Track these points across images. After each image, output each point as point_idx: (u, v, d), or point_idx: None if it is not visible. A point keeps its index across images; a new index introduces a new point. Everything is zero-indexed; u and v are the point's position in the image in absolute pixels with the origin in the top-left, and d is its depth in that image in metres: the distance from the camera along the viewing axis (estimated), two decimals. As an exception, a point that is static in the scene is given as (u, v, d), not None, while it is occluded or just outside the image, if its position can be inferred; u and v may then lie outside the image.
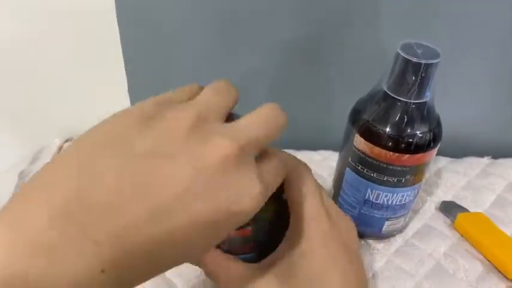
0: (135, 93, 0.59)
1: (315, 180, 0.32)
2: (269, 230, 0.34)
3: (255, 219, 0.33)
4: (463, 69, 0.55)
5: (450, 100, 0.50)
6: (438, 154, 0.57)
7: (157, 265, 0.22)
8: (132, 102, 0.59)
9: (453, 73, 0.52)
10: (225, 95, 0.27)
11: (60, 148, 0.57)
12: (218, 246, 0.33)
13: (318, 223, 0.30)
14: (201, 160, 0.21)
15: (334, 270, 0.29)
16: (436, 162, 0.59)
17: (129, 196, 0.20)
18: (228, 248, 0.33)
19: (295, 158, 0.32)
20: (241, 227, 0.33)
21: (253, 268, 0.31)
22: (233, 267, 0.31)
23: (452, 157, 0.60)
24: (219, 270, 0.31)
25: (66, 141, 0.59)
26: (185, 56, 0.55)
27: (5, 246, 0.18)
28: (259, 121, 0.25)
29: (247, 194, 0.23)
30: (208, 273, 0.32)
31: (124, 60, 0.55)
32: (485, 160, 0.60)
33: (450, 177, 0.56)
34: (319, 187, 0.32)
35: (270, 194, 0.26)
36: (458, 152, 0.60)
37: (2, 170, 0.60)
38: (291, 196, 0.31)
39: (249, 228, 0.33)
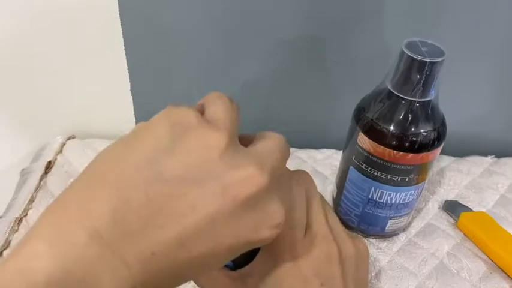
0: (138, 92, 0.58)
1: (319, 195, 0.31)
2: None
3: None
4: (466, 68, 0.54)
5: (453, 99, 0.50)
6: (441, 153, 0.57)
7: (176, 283, 0.22)
8: (135, 101, 0.59)
9: (456, 72, 0.51)
10: (235, 114, 0.25)
11: (63, 146, 0.57)
12: None
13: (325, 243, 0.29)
14: (231, 189, 0.21)
15: None
16: (439, 161, 0.58)
17: (157, 222, 0.20)
18: None
19: (292, 171, 0.30)
20: None
21: (233, 277, 0.30)
22: (219, 276, 0.30)
23: (455, 156, 0.60)
24: (209, 280, 0.30)
25: (69, 138, 0.58)
26: (188, 55, 0.55)
27: (46, 259, 0.18)
28: (275, 149, 0.24)
29: (269, 224, 0.23)
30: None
31: (127, 59, 0.55)
32: (489, 159, 0.60)
33: (453, 176, 0.56)
34: (322, 200, 0.31)
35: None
36: (461, 151, 0.60)
37: (4, 168, 0.60)
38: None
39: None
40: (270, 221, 0.23)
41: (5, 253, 0.45)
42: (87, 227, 0.19)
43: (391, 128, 0.40)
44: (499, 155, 0.60)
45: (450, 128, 0.42)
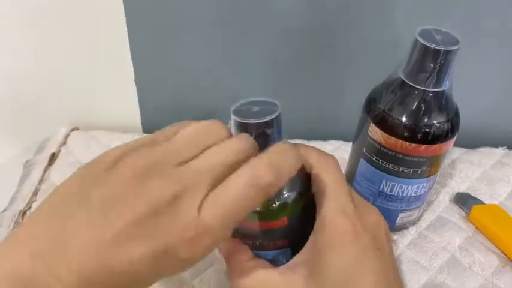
0: (142, 82, 0.57)
1: (341, 173, 0.30)
2: (300, 224, 0.33)
3: (288, 211, 0.33)
4: (477, 57, 0.53)
5: (464, 89, 0.49)
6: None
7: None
8: (139, 91, 0.58)
9: (467, 62, 0.50)
10: (207, 135, 0.26)
11: (67, 137, 0.56)
12: (251, 243, 0.32)
13: (345, 219, 0.28)
14: (136, 203, 0.23)
15: (362, 270, 0.27)
16: (450, 153, 0.57)
17: (83, 240, 0.22)
18: (262, 242, 0.32)
19: (320, 151, 0.31)
20: (276, 218, 0.32)
21: (279, 272, 0.30)
22: (267, 277, 0.30)
23: (466, 148, 0.59)
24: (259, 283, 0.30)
25: (72, 130, 0.58)
26: (193, 45, 0.54)
27: None
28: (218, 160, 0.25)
29: (181, 237, 0.23)
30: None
31: (131, 49, 0.54)
32: (501, 150, 0.58)
33: (464, 169, 0.55)
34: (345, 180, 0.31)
35: (280, 184, 0.25)
36: (472, 142, 0.59)
37: (7, 160, 0.59)
38: (316, 190, 0.30)
39: (285, 218, 0.32)
40: (181, 235, 0.23)
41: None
42: (31, 252, 0.22)
43: (404, 119, 0.39)
44: (511, 146, 0.59)
45: (461, 119, 0.41)
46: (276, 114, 0.28)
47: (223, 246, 0.33)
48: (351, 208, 0.28)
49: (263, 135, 0.28)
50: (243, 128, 0.28)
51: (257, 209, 0.31)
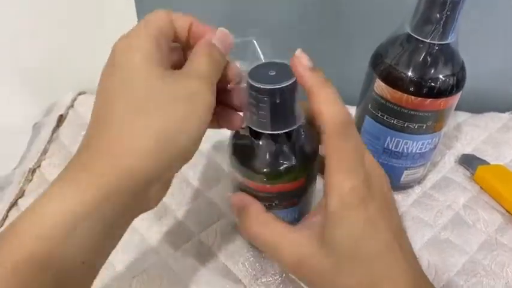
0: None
1: (356, 132, 0.28)
2: (310, 182, 0.34)
3: (306, 171, 0.33)
4: (485, 17, 0.52)
5: (470, 51, 0.48)
6: (457, 109, 0.56)
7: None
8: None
9: (474, 22, 0.50)
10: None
11: (74, 101, 0.57)
12: (266, 205, 0.32)
13: (354, 183, 0.26)
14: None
15: (373, 234, 0.26)
16: (456, 117, 0.57)
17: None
18: (276, 203, 0.34)
19: (338, 108, 0.27)
20: (296, 179, 0.33)
21: (296, 228, 0.29)
22: (288, 233, 0.29)
23: (472, 113, 0.58)
24: (279, 239, 0.29)
25: (79, 94, 0.58)
26: (204, 7, 0.54)
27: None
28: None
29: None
30: (266, 245, 0.30)
31: (137, 14, 0.54)
32: (507, 115, 0.58)
33: (470, 131, 0.55)
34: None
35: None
36: (478, 107, 0.59)
37: (16, 124, 0.60)
38: (327, 148, 0.27)
39: (303, 179, 0.33)
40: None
41: (19, 201, 0.45)
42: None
43: (409, 73, 0.39)
44: (517, 111, 0.59)
45: (467, 83, 0.41)
46: (292, 81, 0.28)
47: (236, 199, 0.33)
48: (361, 172, 0.27)
49: (277, 100, 0.29)
50: (257, 91, 0.28)
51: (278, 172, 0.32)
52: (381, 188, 0.28)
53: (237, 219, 0.34)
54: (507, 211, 0.46)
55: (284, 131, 0.30)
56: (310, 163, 0.33)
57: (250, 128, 0.31)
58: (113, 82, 0.27)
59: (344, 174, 0.26)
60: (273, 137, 0.31)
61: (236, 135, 0.34)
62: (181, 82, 0.26)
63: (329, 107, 0.26)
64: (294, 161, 0.32)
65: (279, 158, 0.32)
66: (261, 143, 0.32)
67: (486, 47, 0.55)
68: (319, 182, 0.33)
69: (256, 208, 0.31)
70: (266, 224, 0.30)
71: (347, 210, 0.26)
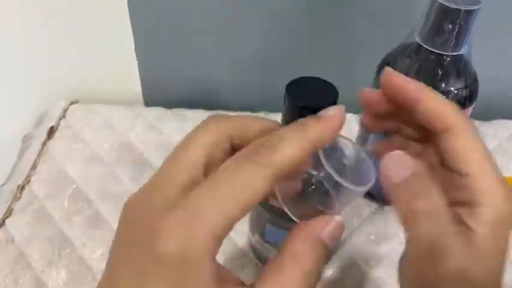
0: (142, 52, 0.55)
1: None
2: None
3: None
4: (496, 22, 0.50)
5: (480, 57, 0.46)
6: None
7: None
8: (139, 61, 0.56)
9: (484, 26, 0.47)
10: None
11: (65, 111, 0.54)
12: None
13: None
14: None
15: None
16: (464, 125, 0.55)
17: None
18: None
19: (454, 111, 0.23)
20: None
21: None
22: None
23: (480, 120, 0.56)
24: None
25: (71, 103, 0.56)
26: (194, 14, 0.51)
27: None
28: None
29: None
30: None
31: (131, 19, 0.52)
32: (516, 122, 0.56)
33: (479, 140, 0.53)
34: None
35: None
36: (487, 114, 0.57)
37: (6, 135, 0.57)
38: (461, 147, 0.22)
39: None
40: None
41: (7, 221, 0.43)
42: None
43: (419, 85, 0.37)
44: (526, 117, 0.57)
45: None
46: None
47: None
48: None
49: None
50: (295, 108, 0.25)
51: None
52: None
53: None
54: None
55: None
56: None
57: None
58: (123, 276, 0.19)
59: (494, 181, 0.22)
60: None
61: None
62: None
63: (447, 105, 0.23)
64: None
65: None
66: None
67: (497, 53, 0.53)
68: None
69: None
70: None
71: (501, 226, 0.21)
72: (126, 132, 0.52)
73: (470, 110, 0.39)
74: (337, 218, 0.21)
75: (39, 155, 0.49)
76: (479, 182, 0.22)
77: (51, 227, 0.42)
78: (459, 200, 0.22)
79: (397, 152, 0.23)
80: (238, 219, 0.19)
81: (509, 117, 0.57)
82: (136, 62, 0.56)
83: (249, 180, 0.19)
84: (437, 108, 0.23)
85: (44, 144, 0.50)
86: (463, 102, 0.37)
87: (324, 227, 0.21)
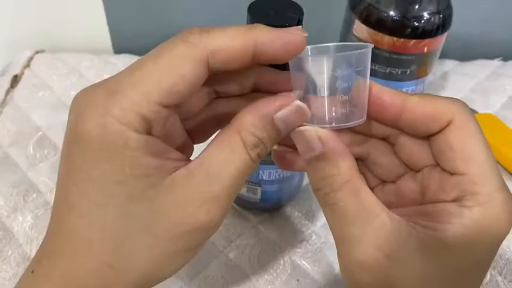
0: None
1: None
2: None
3: None
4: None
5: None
6: (444, 57, 0.52)
7: None
8: (106, 6, 0.53)
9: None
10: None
11: (30, 60, 0.52)
12: None
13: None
14: None
15: None
16: (442, 65, 0.54)
17: None
18: None
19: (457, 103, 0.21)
20: None
21: None
22: None
23: (459, 60, 0.55)
24: None
25: (37, 52, 0.53)
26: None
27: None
28: None
29: None
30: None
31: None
32: (496, 62, 0.55)
33: (458, 80, 0.52)
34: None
35: None
36: (465, 55, 0.55)
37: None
38: (460, 143, 0.21)
39: None
40: None
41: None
42: None
43: (391, 11, 0.35)
44: (507, 57, 0.56)
45: (453, 29, 0.37)
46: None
47: None
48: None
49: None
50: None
51: None
52: None
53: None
54: (498, 162, 0.43)
55: None
56: None
57: None
58: (75, 162, 0.19)
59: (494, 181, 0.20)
60: None
61: None
62: (182, 206, 0.19)
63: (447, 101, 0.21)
64: None
65: None
66: None
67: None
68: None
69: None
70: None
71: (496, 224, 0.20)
72: (95, 79, 0.49)
73: (443, 38, 0.37)
74: (297, 102, 0.20)
75: (3, 103, 0.47)
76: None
77: (17, 174, 0.41)
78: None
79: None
80: (164, 100, 0.18)
81: (489, 57, 0.56)
82: (103, 7, 0.53)
83: (176, 58, 0.18)
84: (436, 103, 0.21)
85: (7, 92, 0.48)
86: (436, 29, 0.36)
87: (280, 108, 0.20)
